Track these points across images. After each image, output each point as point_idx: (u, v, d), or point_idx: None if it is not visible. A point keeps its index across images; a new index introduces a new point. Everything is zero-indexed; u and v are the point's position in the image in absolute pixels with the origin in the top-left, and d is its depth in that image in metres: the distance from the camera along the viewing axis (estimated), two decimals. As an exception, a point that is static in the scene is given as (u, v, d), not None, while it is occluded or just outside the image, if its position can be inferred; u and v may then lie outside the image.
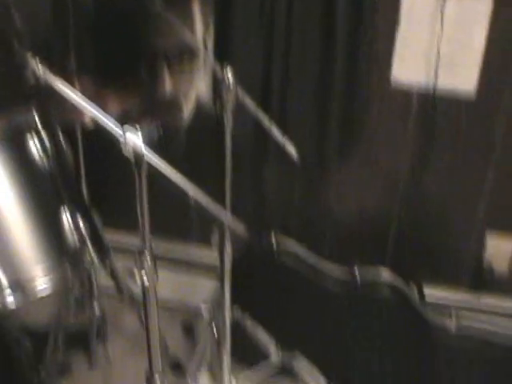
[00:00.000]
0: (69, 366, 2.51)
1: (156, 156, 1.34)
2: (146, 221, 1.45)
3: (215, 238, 2.16)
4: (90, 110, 1.34)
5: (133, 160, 1.34)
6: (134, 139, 1.32)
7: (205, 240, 2.22)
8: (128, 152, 1.32)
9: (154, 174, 1.35)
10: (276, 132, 1.98)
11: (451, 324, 2.34)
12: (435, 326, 2.34)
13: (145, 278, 1.49)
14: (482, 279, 2.59)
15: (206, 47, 2.24)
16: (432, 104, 2.35)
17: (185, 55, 2.13)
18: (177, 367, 2.44)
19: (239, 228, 1.44)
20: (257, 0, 2.29)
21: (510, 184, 2.45)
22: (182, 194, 1.35)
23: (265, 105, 2.22)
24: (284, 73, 2.38)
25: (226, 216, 1.44)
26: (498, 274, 2.56)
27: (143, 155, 1.32)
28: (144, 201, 1.42)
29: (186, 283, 2.79)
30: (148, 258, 1.48)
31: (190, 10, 2.18)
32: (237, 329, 2.35)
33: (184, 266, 2.79)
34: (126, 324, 2.69)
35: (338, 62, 2.34)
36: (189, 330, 2.69)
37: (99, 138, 1.43)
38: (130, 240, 1.93)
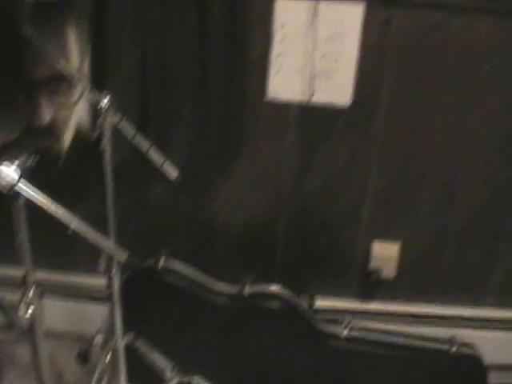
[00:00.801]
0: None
1: (33, 188, 1.33)
2: (26, 252, 1.43)
3: (102, 266, 2.14)
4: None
5: (8, 194, 1.32)
6: (8, 173, 1.30)
7: (93, 267, 2.20)
8: (2, 187, 1.30)
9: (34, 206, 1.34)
10: (155, 154, 1.98)
11: (342, 331, 2.39)
12: (326, 334, 2.39)
13: (29, 310, 1.47)
14: (369, 286, 2.65)
15: (82, 74, 2.23)
16: (309, 116, 2.40)
17: (61, 83, 2.12)
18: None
19: (122, 256, 1.45)
20: (132, 29, 2.29)
21: (393, 190, 2.53)
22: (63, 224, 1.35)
23: (144, 127, 2.22)
24: (160, 93, 2.39)
25: (108, 245, 1.44)
26: (385, 280, 2.63)
27: (18, 189, 1.30)
28: (23, 233, 1.40)
29: (78, 312, 2.76)
30: (31, 289, 1.46)
31: (64, 37, 2.16)
32: (133, 355, 2.33)
33: (75, 295, 2.75)
34: (20, 356, 2.64)
35: (214, 80, 2.37)
36: (84, 359, 2.66)
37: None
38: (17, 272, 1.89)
